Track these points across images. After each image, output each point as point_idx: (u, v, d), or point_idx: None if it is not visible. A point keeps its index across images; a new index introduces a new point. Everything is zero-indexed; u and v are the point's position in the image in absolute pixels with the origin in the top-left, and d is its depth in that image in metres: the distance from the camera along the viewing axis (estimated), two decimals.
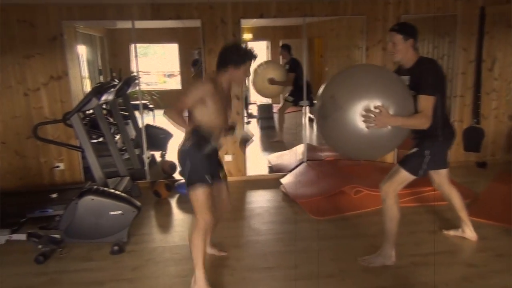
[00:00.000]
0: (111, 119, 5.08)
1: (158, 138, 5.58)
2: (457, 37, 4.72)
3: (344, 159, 4.69)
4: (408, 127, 2.40)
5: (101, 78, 6.85)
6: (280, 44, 7.49)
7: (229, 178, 4.35)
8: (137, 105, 5.67)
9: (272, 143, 6.63)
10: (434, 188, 3.06)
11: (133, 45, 4.41)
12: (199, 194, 2.34)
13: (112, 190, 3.16)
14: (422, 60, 2.52)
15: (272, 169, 5.03)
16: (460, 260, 2.87)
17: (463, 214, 3.03)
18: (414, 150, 2.67)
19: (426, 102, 2.37)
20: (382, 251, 2.79)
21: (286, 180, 4.45)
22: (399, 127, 2.32)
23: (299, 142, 5.23)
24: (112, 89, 3.73)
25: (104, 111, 5.36)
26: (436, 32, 5.44)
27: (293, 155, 5.16)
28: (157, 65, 8.24)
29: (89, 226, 3.01)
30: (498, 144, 5.08)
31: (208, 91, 2.28)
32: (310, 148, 5.23)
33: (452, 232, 3.15)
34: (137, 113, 4.96)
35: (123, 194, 3.16)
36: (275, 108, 8.41)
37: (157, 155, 5.55)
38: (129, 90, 4.68)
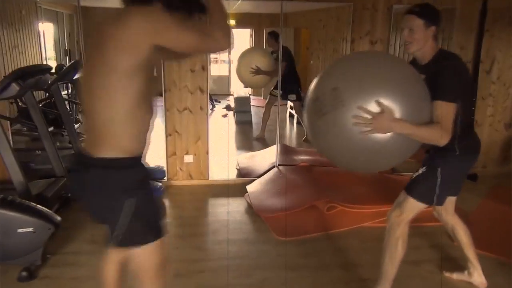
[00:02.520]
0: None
1: None
2: (454, 33, 4.17)
3: (320, 165, 4.13)
4: (419, 139, 1.83)
5: (67, 60, 6.22)
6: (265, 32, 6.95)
7: (189, 182, 3.79)
8: None
9: (248, 141, 6.08)
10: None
11: None
12: (151, 254, 1.48)
13: (24, 201, 2.53)
14: (443, 55, 1.95)
15: (240, 172, 4.44)
16: None
17: (470, 253, 2.42)
18: (423, 170, 2.09)
19: (445, 110, 1.81)
20: None
21: (253, 187, 3.87)
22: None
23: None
24: (42, 75, 3.08)
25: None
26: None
27: (266, 157, 4.58)
28: None
29: None
30: (490, 154, 4.58)
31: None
32: (285, 150, 4.66)
33: (455, 275, 2.55)
34: None
35: (37, 207, 2.54)
36: (254, 101, 7.85)
37: None
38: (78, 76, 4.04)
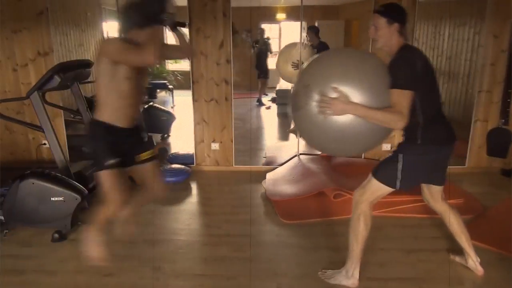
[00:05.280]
0: None
1: (159, 120, 5.44)
2: (486, 21, 3.98)
3: (339, 155, 4.21)
4: (376, 122, 1.94)
5: None
6: (306, 26, 7.02)
7: (215, 168, 4.07)
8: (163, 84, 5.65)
9: (284, 133, 6.25)
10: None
11: None
12: (103, 178, 2.12)
13: (58, 175, 3.01)
14: (403, 48, 2.06)
15: (266, 161, 4.67)
16: None
17: (463, 241, 2.43)
18: (390, 154, 2.23)
19: (398, 97, 1.93)
20: (344, 269, 2.38)
21: (272, 174, 4.08)
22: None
23: None
24: (82, 69, 3.56)
25: None
26: (473, 15, 4.69)
27: (291, 147, 4.75)
28: None
29: (31, 210, 2.89)
30: None
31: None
32: None
33: (458, 258, 2.57)
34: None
35: (68, 180, 3.01)
36: None
37: (159, 137, 5.41)
38: None
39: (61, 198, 2.88)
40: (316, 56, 2.19)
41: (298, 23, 9.38)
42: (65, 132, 4.40)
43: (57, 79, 3.25)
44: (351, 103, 1.91)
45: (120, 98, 2.06)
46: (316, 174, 3.85)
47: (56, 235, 2.88)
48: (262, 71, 5.97)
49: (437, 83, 2.16)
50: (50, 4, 4.09)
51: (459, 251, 2.54)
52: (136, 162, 2.28)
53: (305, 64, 2.20)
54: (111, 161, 2.10)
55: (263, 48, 6.29)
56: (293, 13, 8.77)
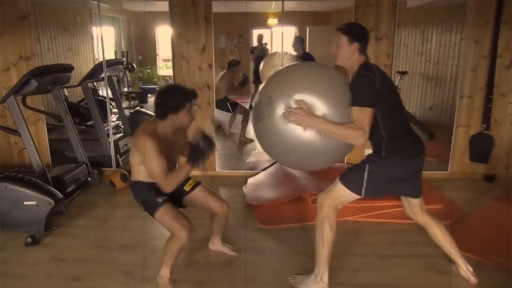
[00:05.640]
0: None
1: None
2: (465, 26, 4.01)
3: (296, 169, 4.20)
4: (337, 137, 2.00)
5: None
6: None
7: (198, 173, 4.10)
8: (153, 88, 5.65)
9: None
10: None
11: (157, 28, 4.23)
12: (161, 217, 2.31)
13: (32, 179, 2.99)
14: (361, 67, 2.10)
15: (249, 166, 4.66)
16: None
17: (450, 251, 2.38)
18: (359, 162, 2.24)
19: (359, 114, 1.99)
20: (313, 274, 2.36)
21: (253, 179, 4.07)
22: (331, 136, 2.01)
23: None
24: (61, 73, 3.55)
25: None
26: (459, 20, 4.71)
27: None
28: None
29: (4, 214, 2.88)
30: None
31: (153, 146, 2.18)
32: None
33: (454, 267, 2.51)
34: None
35: (42, 184, 2.99)
36: None
37: None
38: (112, 74, 4.58)
39: (34, 203, 2.86)
40: (281, 68, 2.24)
41: (293, 27, 9.40)
42: (47, 136, 4.38)
43: (34, 83, 3.25)
44: (313, 116, 1.96)
45: None
46: (296, 179, 3.84)
47: (29, 239, 2.86)
48: (258, 76, 5.99)
49: (399, 98, 2.20)
50: (37, 8, 4.09)
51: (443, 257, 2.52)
52: (186, 193, 2.52)
53: (270, 76, 2.22)
54: (160, 199, 2.31)
55: (261, 54, 6.34)
56: (286, 18, 8.84)
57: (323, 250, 2.25)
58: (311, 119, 1.96)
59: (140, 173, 2.34)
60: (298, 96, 1.99)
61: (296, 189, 3.59)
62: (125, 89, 6.75)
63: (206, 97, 4.24)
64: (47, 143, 4.38)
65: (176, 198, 2.46)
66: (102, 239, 2.99)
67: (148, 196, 2.34)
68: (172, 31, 4.07)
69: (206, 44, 4.10)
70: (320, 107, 1.99)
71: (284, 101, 2.01)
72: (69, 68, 3.70)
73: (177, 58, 4.15)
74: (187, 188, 2.52)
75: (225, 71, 5.77)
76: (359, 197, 2.18)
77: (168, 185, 2.24)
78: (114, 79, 5.28)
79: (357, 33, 2.12)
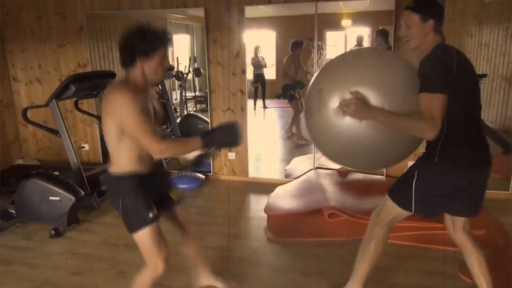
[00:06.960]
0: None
1: (196, 128, 5.61)
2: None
3: (358, 171, 3.90)
4: (401, 130, 1.70)
5: (194, 65, 7.17)
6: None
7: (231, 178, 4.08)
8: None
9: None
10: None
11: None
12: (144, 237, 1.83)
13: (59, 176, 3.26)
14: (435, 48, 1.76)
15: (286, 173, 4.52)
16: None
17: (481, 284, 2.01)
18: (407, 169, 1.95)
19: (429, 101, 1.65)
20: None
21: (281, 188, 3.92)
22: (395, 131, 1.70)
23: None
24: (99, 80, 3.82)
25: None
26: None
27: (312, 160, 4.53)
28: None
29: (34, 207, 3.18)
30: None
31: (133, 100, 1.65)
32: None
33: None
34: None
35: (67, 181, 3.24)
36: None
37: None
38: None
39: (57, 198, 3.13)
40: (331, 60, 1.96)
41: (366, 28, 8.87)
42: (99, 136, 4.76)
43: (72, 88, 3.55)
44: (371, 106, 1.67)
45: (136, 145, 1.74)
46: (320, 190, 3.61)
47: (53, 232, 3.13)
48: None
49: (477, 92, 1.83)
50: (92, 21, 4.48)
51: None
52: (171, 203, 2.09)
53: (321, 68, 1.99)
54: (151, 214, 1.81)
55: (257, 65, 6.11)
56: (358, 20, 8.43)
57: (361, 268, 2.05)
58: (368, 110, 1.66)
59: (121, 159, 1.77)
60: (353, 87, 1.70)
61: (314, 201, 3.38)
62: (191, 94, 7.03)
63: (239, 101, 4.22)
64: (99, 143, 4.77)
65: (162, 206, 2.01)
66: (114, 237, 3.14)
67: (135, 203, 1.78)
68: (207, 37, 4.13)
69: (240, 49, 4.08)
70: (374, 100, 1.68)
71: (337, 93, 1.74)
72: (110, 75, 3.97)
73: (212, 63, 4.20)
74: (176, 198, 2.11)
75: (288, 55, 5.55)
76: (410, 213, 1.89)
77: (165, 150, 1.69)
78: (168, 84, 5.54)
79: (430, 8, 1.78)
